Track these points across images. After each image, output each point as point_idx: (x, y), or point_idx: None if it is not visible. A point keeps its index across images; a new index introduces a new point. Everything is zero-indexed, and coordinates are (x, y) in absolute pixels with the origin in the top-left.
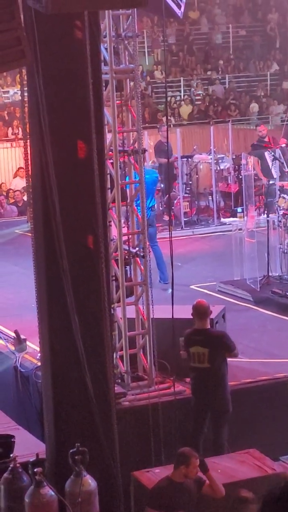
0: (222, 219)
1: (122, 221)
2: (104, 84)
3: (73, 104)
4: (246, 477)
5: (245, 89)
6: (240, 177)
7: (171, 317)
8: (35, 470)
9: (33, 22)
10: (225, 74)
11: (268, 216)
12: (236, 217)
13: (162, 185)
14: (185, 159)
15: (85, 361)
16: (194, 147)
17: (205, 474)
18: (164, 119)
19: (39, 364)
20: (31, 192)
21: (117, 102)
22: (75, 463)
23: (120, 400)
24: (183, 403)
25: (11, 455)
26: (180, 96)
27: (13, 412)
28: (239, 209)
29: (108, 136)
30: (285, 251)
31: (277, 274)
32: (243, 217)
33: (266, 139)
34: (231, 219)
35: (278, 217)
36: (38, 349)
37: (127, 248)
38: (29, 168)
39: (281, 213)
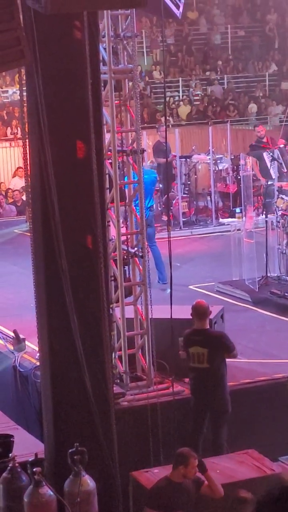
0: (220, 220)
1: (121, 221)
2: (103, 84)
3: (72, 104)
4: (245, 477)
5: (244, 89)
6: (239, 177)
7: (169, 317)
8: (34, 469)
9: (32, 22)
10: (224, 74)
11: (266, 217)
12: (235, 217)
13: (160, 185)
14: (184, 159)
15: (84, 361)
16: (193, 148)
17: (203, 475)
18: (162, 119)
19: (38, 363)
20: (30, 192)
21: (116, 102)
22: (74, 463)
23: (119, 400)
24: (182, 403)
25: (10, 454)
26: (179, 96)
27: (12, 411)
28: (237, 210)
29: (107, 136)
30: (284, 251)
31: (276, 275)
32: (242, 218)
33: (265, 140)
34: (230, 219)
35: (277, 217)
36: (37, 348)
37: (126, 248)
38: (28, 167)
39: (280, 213)
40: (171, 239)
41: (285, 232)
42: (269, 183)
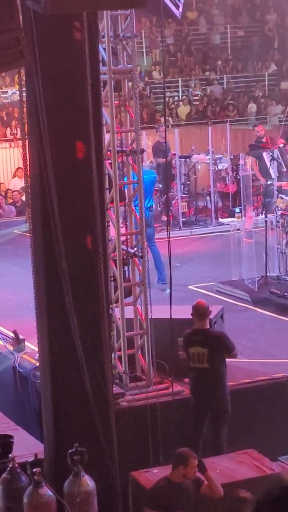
0: (220, 220)
1: (120, 221)
2: (102, 85)
3: (72, 104)
4: (245, 477)
5: (243, 89)
6: (238, 177)
7: (169, 317)
8: (33, 470)
9: (32, 22)
10: (223, 74)
11: (266, 217)
12: (234, 217)
13: (160, 185)
14: (183, 159)
15: (84, 361)
16: (192, 148)
17: (203, 474)
18: (162, 119)
19: (37, 364)
20: (29, 192)
21: (115, 102)
22: (74, 463)
23: (118, 401)
24: (182, 403)
25: (9, 455)
26: (178, 96)
27: (12, 412)
28: (237, 210)
29: (106, 137)
30: (283, 251)
31: (275, 275)
32: (241, 218)
33: (264, 140)
34: (229, 219)
35: (276, 217)
36: (36, 349)
37: (125, 249)
38: (28, 168)
39: (279, 213)
40: (170, 239)
41: (285, 231)
42: (268, 182)
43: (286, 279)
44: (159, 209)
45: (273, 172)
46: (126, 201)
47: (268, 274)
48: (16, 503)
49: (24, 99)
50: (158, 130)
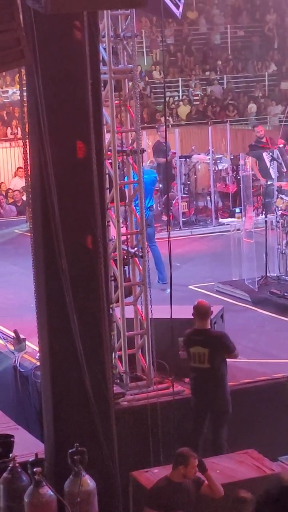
0: (220, 220)
1: (121, 221)
2: (102, 84)
3: (72, 104)
4: (245, 477)
5: (243, 89)
6: (238, 177)
7: (169, 317)
8: (34, 470)
9: (32, 22)
10: (224, 74)
11: (266, 217)
12: (234, 217)
13: (160, 185)
14: (184, 159)
15: (84, 361)
16: (193, 148)
17: (203, 474)
18: (162, 119)
19: (38, 364)
20: (30, 192)
21: (116, 102)
22: (74, 463)
23: (118, 400)
24: (182, 403)
25: (10, 455)
26: (179, 96)
27: (12, 411)
28: (237, 210)
29: (107, 136)
30: (283, 251)
31: (275, 275)
32: (241, 218)
33: (264, 140)
34: (229, 219)
35: (276, 217)
36: (37, 349)
37: (126, 248)
38: (28, 168)
39: (279, 213)
40: (171, 239)
41: (285, 232)
42: (268, 183)
43: (286, 279)
44: (159, 209)
45: (273, 172)
46: (127, 201)
47: (268, 274)
48: (17, 503)
49: (25, 99)
50: (158, 130)
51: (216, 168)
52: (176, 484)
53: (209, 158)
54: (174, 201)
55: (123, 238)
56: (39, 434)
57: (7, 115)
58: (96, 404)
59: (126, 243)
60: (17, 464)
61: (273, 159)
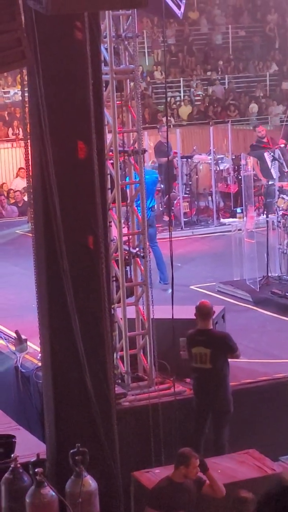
0: (221, 220)
1: (122, 221)
2: (104, 85)
3: (73, 104)
4: (246, 477)
5: (245, 89)
6: (240, 177)
7: (171, 317)
8: (35, 470)
9: (34, 23)
10: (225, 74)
11: (267, 217)
12: (236, 217)
13: (162, 186)
14: (185, 159)
15: (86, 361)
16: (194, 148)
17: (204, 474)
18: (164, 119)
19: (39, 364)
20: (31, 193)
21: (117, 102)
22: (76, 464)
23: (120, 401)
24: (183, 404)
25: (12, 455)
26: (180, 96)
27: (14, 412)
28: (238, 210)
29: (108, 137)
30: (285, 251)
31: (277, 275)
32: (243, 218)
33: (265, 140)
34: (231, 219)
35: (278, 217)
36: (38, 349)
37: (127, 249)
38: (30, 168)
39: (281, 213)
40: (172, 239)
41: (286, 232)
42: (270, 183)
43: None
44: (161, 209)
45: (274, 172)
46: (128, 201)
47: (269, 274)
48: (18, 503)
49: (26, 99)
50: (160, 130)
51: (218, 168)
52: (178, 484)
53: (211, 158)
54: (175, 201)
55: (125, 238)
56: (40, 434)
57: (9, 115)
58: (97, 404)
59: (127, 243)
60: (18, 465)
61: (274, 159)
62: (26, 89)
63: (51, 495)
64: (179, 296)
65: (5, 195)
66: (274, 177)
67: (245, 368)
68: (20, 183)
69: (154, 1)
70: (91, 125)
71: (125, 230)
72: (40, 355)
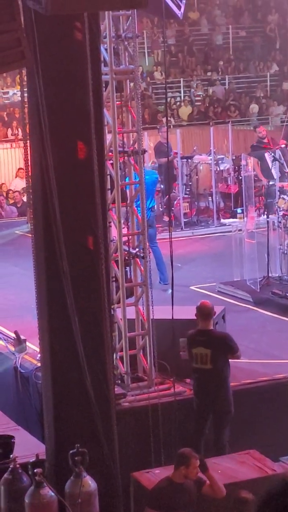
0: (222, 220)
1: (122, 222)
2: (104, 85)
3: (73, 105)
4: (246, 478)
5: (245, 90)
6: (240, 178)
7: (171, 318)
8: (35, 470)
9: (33, 23)
10: (225, 75)
11: (268, 217)
12: (236, 218)
13: (162, 186)
14: (185, 160)
15: (85, 362)
16: (194, 148)
17: (204, 474)
18: (164, 120)
19: (39, 365)
20: (31, 193)
21: (117, 103)
22: (75, 464)
23: (120, 401)
24: (183, 404)
25: (11, 455)
26: (180, 97)
27: (13, 412)
28: (239, 210)
29: (108, 137)
30: (285, 252)
31: (277, 275)
32: (243, 218)
33: (266, 140)
34: (231, 220)
35: (278, 218)
36: (38, 349)
37: (127, 249)
38: (29, 169)
39: (281, 214)
40: (172, 239)
41: (287, 232)
42: (270, 183)
43: None
44: (161, 209)
45: (275, 173)
46: (128, 201)
47: (270, 275)
48: (18, 504)
49: (26, 100)
50: (160, 130)
51: (218, 169)
52: (178, 484)
53: (211, 159)
54: (175, 202)
55: (125, 239)
56: (40, 435)
57: (8, 116)
58: (97, 404)
59: (127, 243)
60: (17, 465)
61: (275, 159)
62: (26, 89)
63: (51, 496)
64: (179, 297)
65: (5, 195)
66: (275, 177)
67: (245, 368)
68: (20, 184)
69: (154, 2)
70: (91, 126)
71: (125, 231)
72: (39, 355)
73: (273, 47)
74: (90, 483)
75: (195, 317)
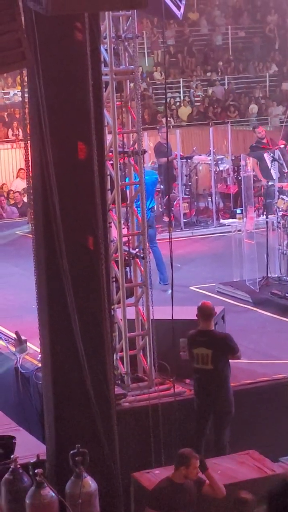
0: (221, 220)
1: (122, 222)
2: (104, 85)
3: (73, 105)
4: (246, 478)
5: (244, 90)
6: (240, 178)
7: (171, 318)
8: (35, 471)
9: (34, 23)
10: (225, 75)
11: (267, 217)
12: (236, 218)
13: (161, 186)
14: (185, 160)
15: (85, 362)
16: (194, 148)
17: (204, 473)
18: (163, 120)
19: (39, 365)
20: (31, 193)
21: (117, 103)
22: (76, 464)
23: (120, 401)
24: (183, 404)
25: (11, 456)
26: (180, 97)
27: (14, 413)
28: (238, 210)
29: (108, 137)
30: (284, 252)
31: (276, 275)
32: (243, 218)
33: (265, 141)
34: (231, 220)
35: (277, 218)
36: (38, 350)
37: (127, 249)
38: (30, 169)
39: (280, 214)
40: (172, 240)
41: (286, 232)
42: (269, 183)
43: (287, 280)
44: (160, 210)
45: (274, 173)
46: (128, 202)
47: (269, 275)
48: (18, 504)
49: (26, 100)
50: (159, 131)
51: (217, 169)
52: (178, 485)
53: (210, 159)
54: (175, 202)
55: (125, 239)
56: (40, 435)
57: (8, 116)
58: (97, 405)
59: (127, 244)
60: (18, 466)
61: (274, 159)
62: (26, 89)
63: (51, 496)
64: (178, 297)
65: (5, 196)
66: (274, 177)
67: (244, 368)
68: (20, 184)
69: (154, 2)
70: (91, 126)
71: (125, 231)
72: (40, 356)
73: (273, 48)
74: (90, 483)
75: (195, 317)
